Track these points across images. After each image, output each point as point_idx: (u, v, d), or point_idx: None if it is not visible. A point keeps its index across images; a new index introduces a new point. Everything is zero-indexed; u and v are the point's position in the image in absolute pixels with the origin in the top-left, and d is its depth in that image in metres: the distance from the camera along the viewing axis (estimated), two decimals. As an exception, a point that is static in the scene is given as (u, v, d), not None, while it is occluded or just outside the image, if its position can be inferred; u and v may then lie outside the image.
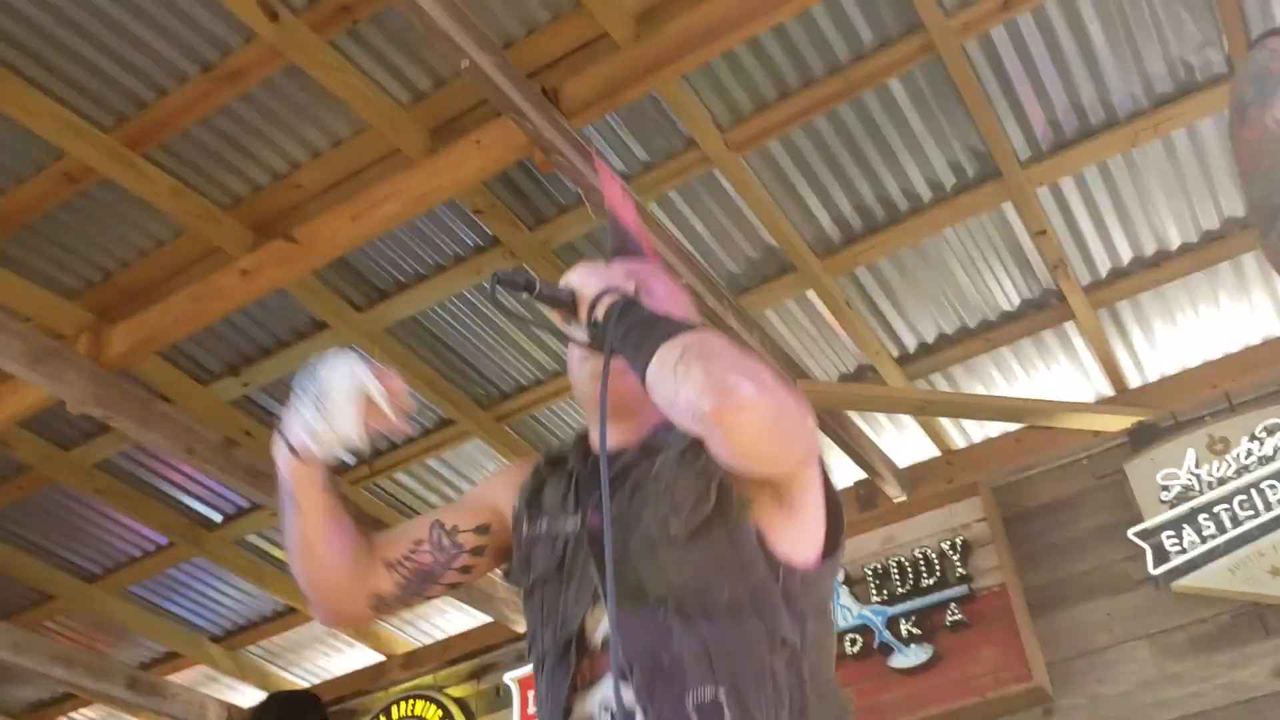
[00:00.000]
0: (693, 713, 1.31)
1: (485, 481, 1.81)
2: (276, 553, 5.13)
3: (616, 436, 1.52)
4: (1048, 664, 3.99)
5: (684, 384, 1.28)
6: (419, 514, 4.89)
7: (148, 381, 4.16)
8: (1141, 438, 4.12)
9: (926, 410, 4.26)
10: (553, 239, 3.80)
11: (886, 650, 4.21)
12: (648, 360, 1.34)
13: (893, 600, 4.28)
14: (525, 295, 1.48)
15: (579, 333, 1.51)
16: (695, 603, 1.37)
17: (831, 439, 4.31)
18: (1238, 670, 3.71)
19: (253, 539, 5.06)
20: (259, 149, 3.54)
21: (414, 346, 4.19)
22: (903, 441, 4.67)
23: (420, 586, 1.63)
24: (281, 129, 3.49)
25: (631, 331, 1.39)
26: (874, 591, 4.33)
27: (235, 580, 5.24)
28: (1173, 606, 3.88)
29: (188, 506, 4.86)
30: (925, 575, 4.25)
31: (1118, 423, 4.20)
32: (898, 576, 4.31)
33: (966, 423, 4.59)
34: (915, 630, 4.18)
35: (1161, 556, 3.89)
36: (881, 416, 4.55)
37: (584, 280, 1.50)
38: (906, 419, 4.54)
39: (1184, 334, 4.23)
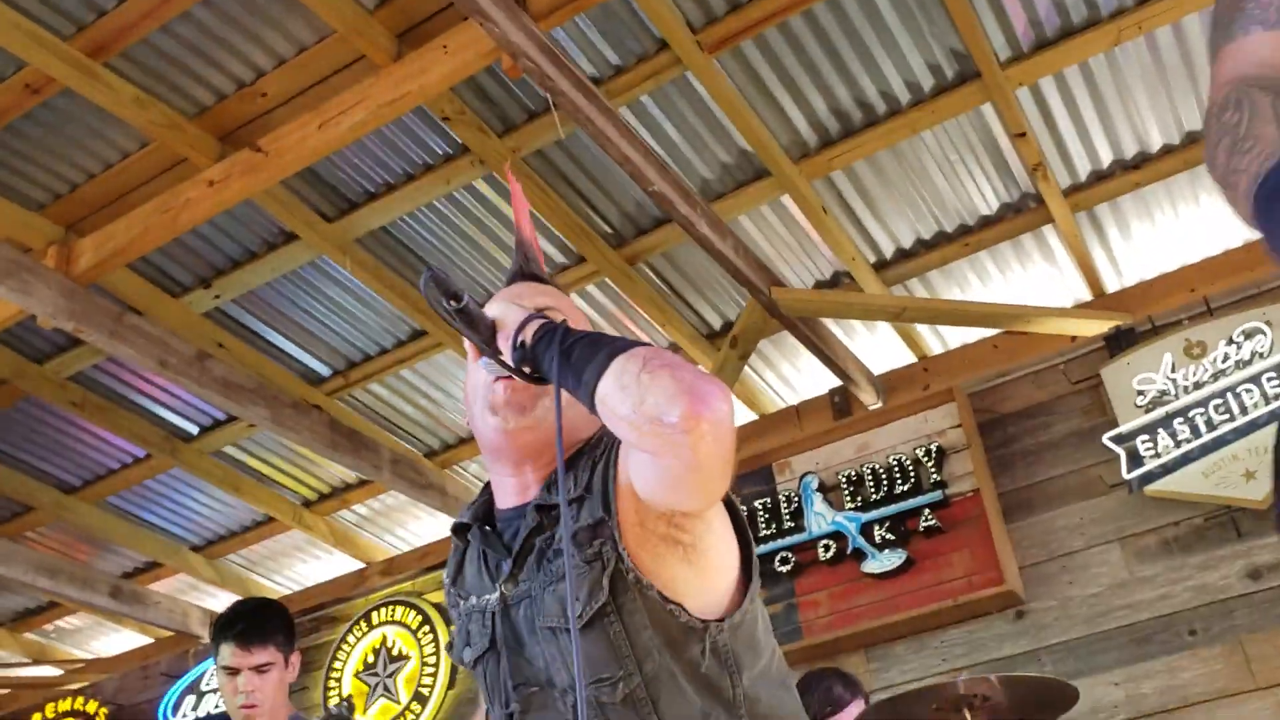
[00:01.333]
0: None
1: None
2: (253, 463, 5.14)
3: (514, 489, 1.50)
4: (1020, 568, 4.04)
5: (650, 392, 1.21)
6: (393, 424, 4.89)
7: (118, 294, 4.12)
8: (1118, 343, 4.11)
9: (903, 316, 4.24)
10: (522, 146, 3.73)
11: (860, 555, 4.26)
12: (599, 374, 1.27)
13: (867, 506, 4.31)
14: (450, 304, 1.35)
15: (489, 365, 1.43)
16: (592, 693, 1.36)
17: (807, 346, 4.30)
18: (1208, 572, 3.76)
19: (229, 450, 5.06)
20: (223, 57, 3.45)
21: (384, 257, 4.14)
22: (878, 348, 4.66)
23: None
24: (245, 36, 3.39)
25: (574, 348, 1.31)
26: (848, 498, 4.36)
27: (213, 491, 5.25)
28: (1145, 510, 3.91)
29: (163, 419, 4.85)
30: (900, 481, 4.28)
31: (1094, 327, 4.19)
32: (872, 483, 4.33)
33: (943, 328, 4.58)
34: (889, 536, 4.22)
35: (1135, 461, 3.91)
36: (857, 323, 4.54)
37: (506, 310, 1.41)
38: (882, 325, 4.52)
39: (1163, 237, 4.20)
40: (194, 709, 5.52)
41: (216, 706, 5.44)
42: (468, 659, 1.54)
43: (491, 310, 1.42)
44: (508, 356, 1.37)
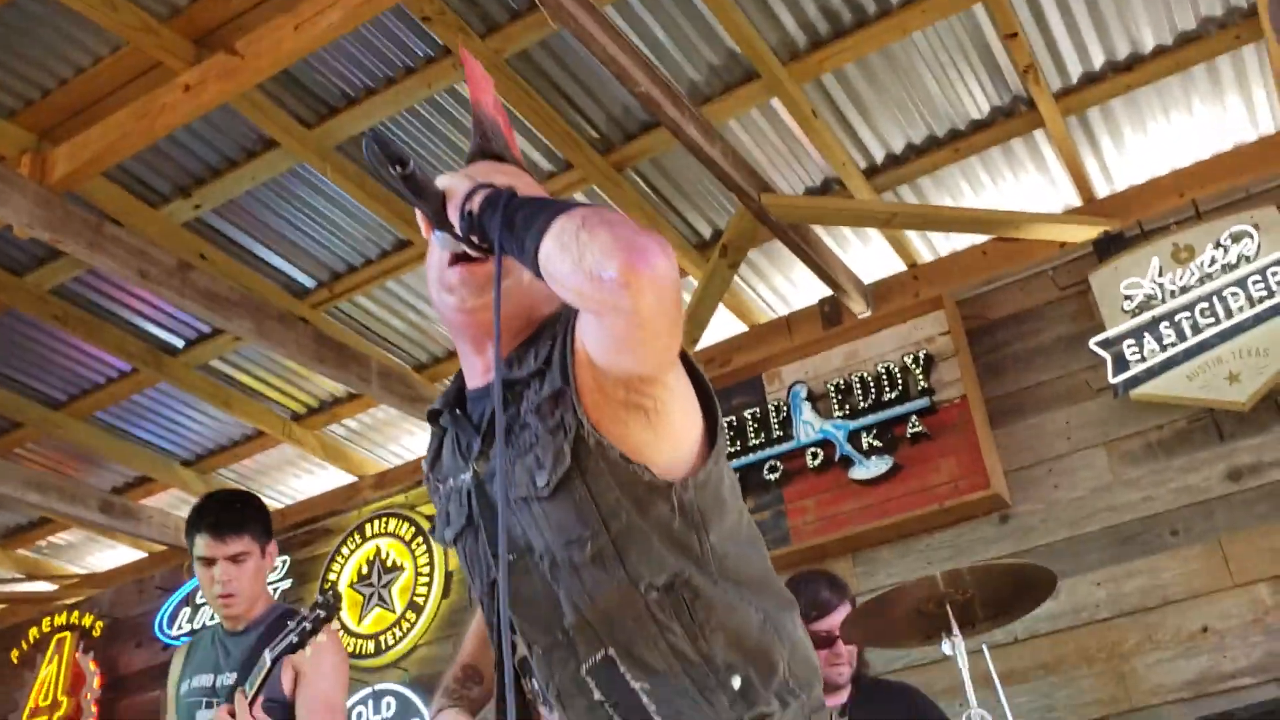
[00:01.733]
0: (588, 677, 1.39)
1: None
2: (241, 377, 5.13)
3: (479, 369, 1.52)
4: (1006, 472, 4.07)
5: (589, 249, 1.21)
6: (381, 337, 4.88)
7: (96, 204, 4.06)
8: (1107, 248, 4.09)
9: (893, 223, 4.21)
10: (505, 48, 3.65)
11: (847, 463, 4.28)
12: (541, 235, 1.26)
13: (855, 414, 4.33)
14: (396, 169, 1.34)
15: (442, 238, 1.43)
16: (565, 555, 1.39)
17: (797, 254, 4.27)
18: (1190, 474, 3.80)
19: (216, 364, 5.04)
20: (193, -46, 3.36)
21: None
22: (868, 256, 4.64)
23: None
24: (216, -68, 3.30)
25: (517, 214, 1.30)
26: (836, 406, 4.37)
27: (201, 405, 5.24)
28: (1130, 414, 3.93)
29: (147, 332, 4.82)
30: (888, 389, 4.28)
31: (1084, 233, 4.17)
32: (860, 391, 4.34)
33: (933, 235, 4.56)
34: (876, 443, 4.24)
35: (1121, 365, 3.92)
36: (847, 231, 4.51)
37: (454, 181, 1.39)
38: (873, 233, 4.50)
39: (1154, 141, 4.16)
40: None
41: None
42: (448, 538, 1.56)
43: (441, 182, 1.40)
44: (457, 227, 1.36)
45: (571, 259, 1.22)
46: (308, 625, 2.47)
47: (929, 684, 3.63)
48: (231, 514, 2.83)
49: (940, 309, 4.33)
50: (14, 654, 6.08)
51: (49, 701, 5.77)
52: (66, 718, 5.69)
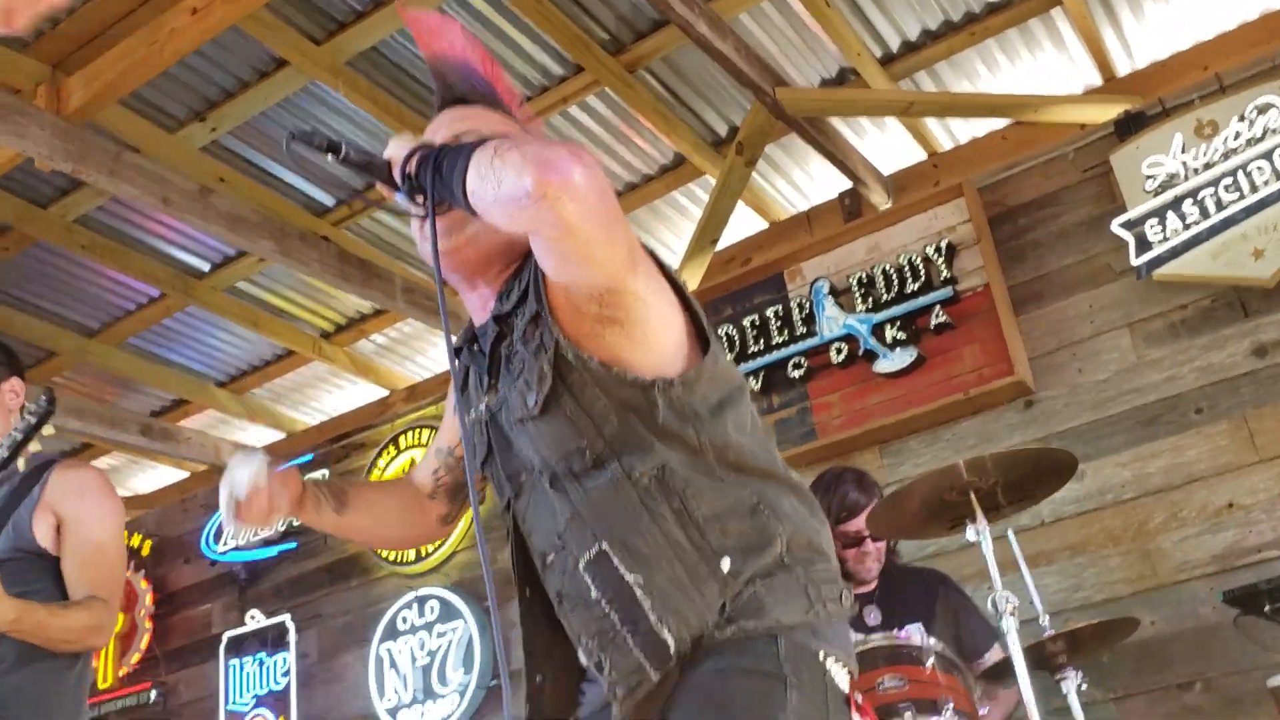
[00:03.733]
0: (585, 574, 1.44)
1: (450, 394, 1.85)
2: (268, 298, 5.18)
3: (479, 306, 1.60)
4: (1030, 358, 4.08)
5: (503, 173, 1.28)
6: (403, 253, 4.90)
7: (114, 132, 4.08)
8: (1128, 127, 4.03)
9: (911, 111, 4.16)
10: (511, -48, 3.60)
11: (872, 356, 4.30)
12: (465, 176, 1.33)
13: (878, 307, 4.33)
14: (330, 158, 1.42)
15: (403, 200, 1.49)
16: (564, 467, 1.46)
17: (815, 148, 4.24)
18: (1214, 352, 3.80)
19: (243, 286, 5.09)
20: (190, -128, 3.31)
21: (377, 79, 4.06)
22: (887, 146, 4.59)
23: (463, 492, 1.83)
24: None
25: (444, 163, 1.37)
26: (859, 300, 4.37)
27: (231, 326, 5.31)
28: (1153, 295, 3.92)
29: (173, 257, 4.87)
30: (910, 280, 4.28)
31: (1104, 113, 4.11)
32: (883, 284, 4.34)
33: (952, 123, 4.50)
34: (900, 335, 4.25)
35: (1144, 246, 3.90)
36: (865, 121, 4.46)
37: (395, 148, 1.46)
38: (891, 122, 4.45)
39: (1176, 13, 4.07)
40: (233, 537, 5.72)
41: (255, 533, 5.65)
42: (478, 465, 1.65)
43: (387, 152, 1.47)
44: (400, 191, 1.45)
45: (491, 188, 1.30)
46: (18, 435, 2.29)
47: (957, 570, 3.72)
48: None
49: (961, 197, 4.29)
50: (69, 575, 6.27)
51: (106, 619, 5.97)
52: (122, 634, 5.91)
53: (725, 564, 1.40)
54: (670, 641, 1.38)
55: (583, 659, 1.49)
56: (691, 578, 1.40)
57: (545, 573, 1.50)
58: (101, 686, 5.85)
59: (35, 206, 4.47)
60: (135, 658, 5.83)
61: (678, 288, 1.51)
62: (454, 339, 1.65)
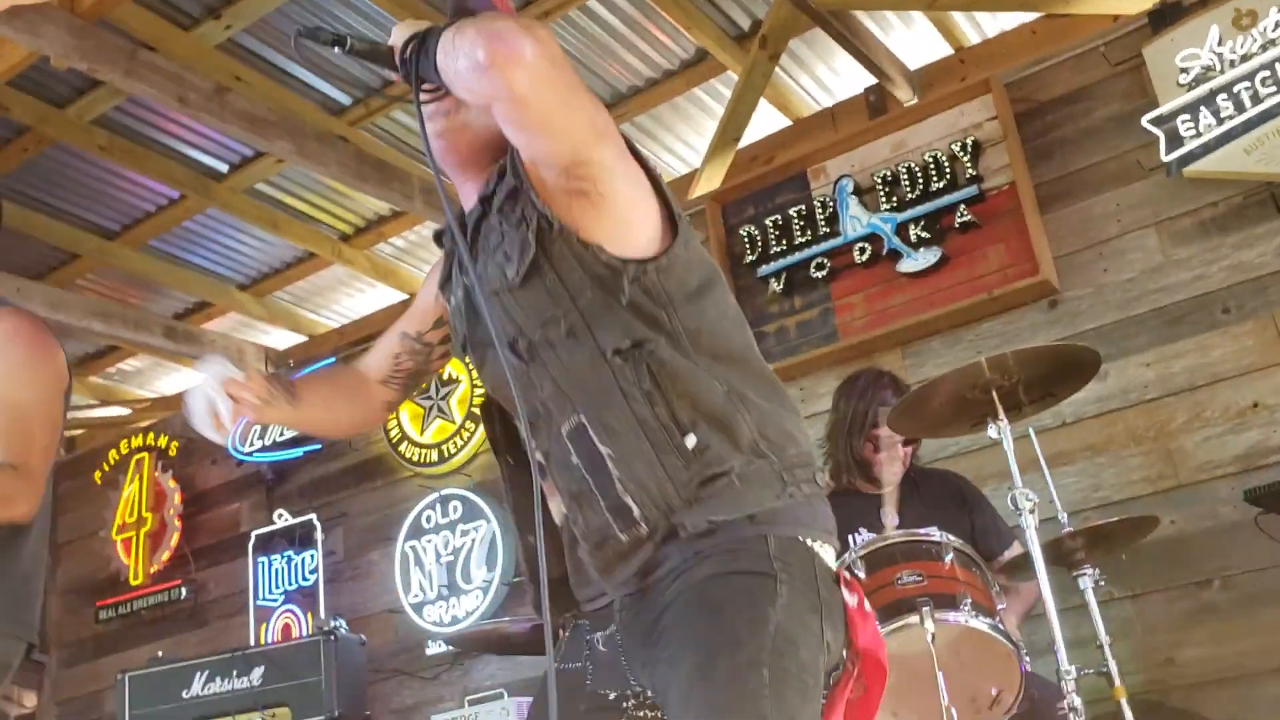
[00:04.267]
0: (567, 440, 1.53)
1: (424, 281, 1.91)
2: (288, 200, 5.16)
3: (470, 193, 1.64)
4: (1055, 257, 4.03)
5: (461, 49, 1.37)
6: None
7: (129, 30, 4.02)
8: (1163, 18, 3.92)
9: (937, 4, 4.06)
10: None
11: (895, 256, 4.26)
12: (434, 55, 1.42)
13: (902, 206, 4.28)
14: (336, 50, 1.50)
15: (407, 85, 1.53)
16: (541, 335, 1.52)
17: (839, 42, 4.15)
18: (1244, 250, 3.74)
19: (262, 187, 5.06)
20: None
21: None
22: (913, 41, 4.49)
23: (416, 381, 1.92)
24: None
25: (429, 43, 1.45)
26: (883, 199, 4.32)
27: (251, 229, 5.30)
28: (1183, 192, 3.85)
29: (191, 158, 4.84)
30: (935, 179, 4.22)
31: (1138, 4, 3.99)
32: (907, 182, 4.28)
33: (980, 16, 4.39)
34: (924, 234, 4.20)
35: (1175, 142, 3.81)
36: (891, 15, 4.35)
37: (395, 36, 1.52)
38: (917, 16, 4.34)
39: (1217, -99, 3.93)
40: (260, 438, 5.79)
41: (282, 435, 5.71)
42: (457, 346, 1.72)
43: (390, 40, 1.53)
44: (399, 75, 1.52)
45: (453, 64, 1.39)
46: None
47: (978, 469, 3.74)
48: None
49: (988, 93, 4.21)
50: (96, 475, 6.38)
51: (135, 518, 6.09)
52: (152, 533, 6.02)
53: (690, 440, 1.48)
54: (633, 507, 1.49)
55: (562, 510, 1.59)
56: (657, 452, 1.48)
57: (531, 434, 1.56)
58: (133, 583, 5.98)
59: (53, 107, 4.44)
60: (165, 555, 5.95)
61: (652, 176, 1.54)
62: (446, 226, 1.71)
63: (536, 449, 1.57)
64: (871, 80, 4.48)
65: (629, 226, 1.50)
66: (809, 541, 1.51)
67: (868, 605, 1.60)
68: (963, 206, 4.14)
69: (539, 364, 1.53)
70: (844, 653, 1.54)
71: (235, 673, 4.54)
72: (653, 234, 1.52)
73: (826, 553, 1.54)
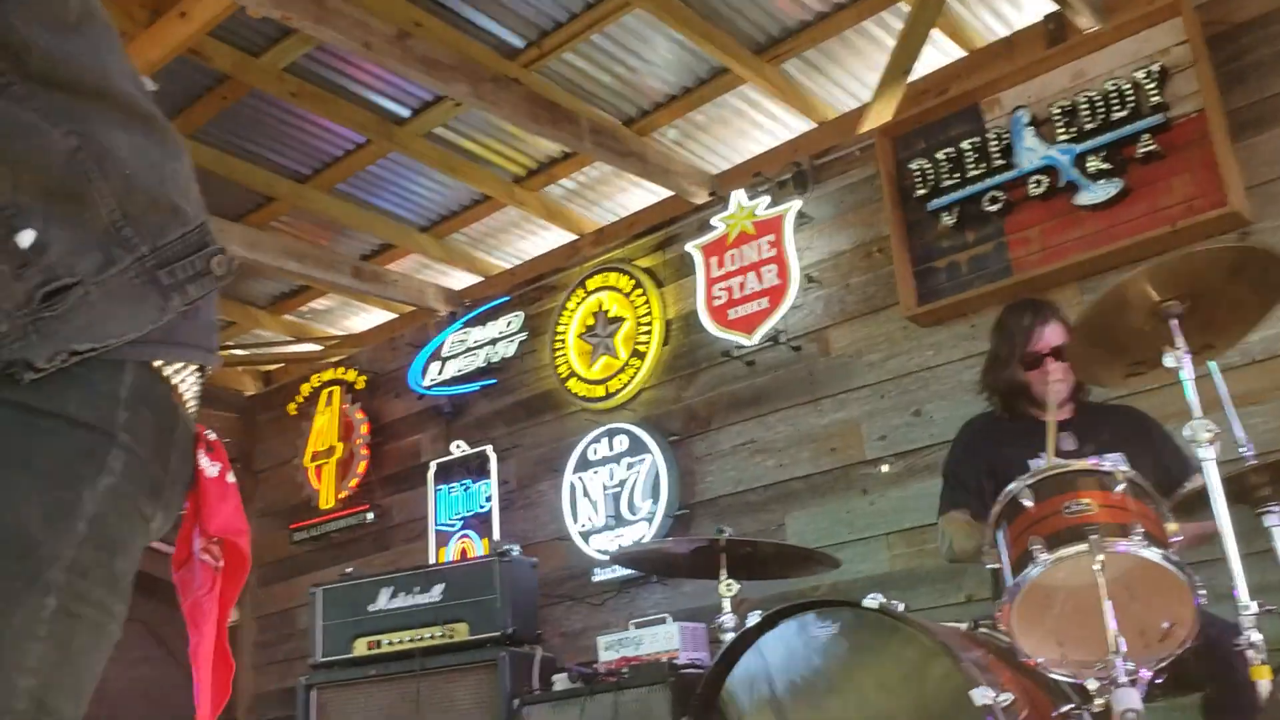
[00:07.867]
0: None
1: None
2: (464, 143, 5.34)
3: None
4: (1246, 188, 3.83)
5: None
6: (591, 94, 4.93)
7: (316, -22, 4.21)
8: (1375, -71, 3.66)
9: (1123, -75, 3.88)
10: None
11: (1073, 189, 4.13)
12: None
13: (1081, 137, 4.13)
14: None
15: None
16: None
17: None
18: None
19: (440, 131, 5.25)
20: None
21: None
22: (1097, -35, 4.31)
23: None
24: None
25: None
26: (1061, 130, 4.18)
27: (430, 172, 5.51)
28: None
29: (375, 103, 5.05)
30: (1116, 108, 4.05)
31: (1348, -85, 3.73)
32: (1087, 112, 4.12)
33: (1170, -64, 4.17)
34: (1104, 165, 4.05)
35: (1385, 62, 3.57)
36: (1073, -62, 4.19)
37: None
38: (1101, -62, 4.16)
39: None
40: (439, 374, 6.05)
41: (459, 371, 5.96)
42: None
43: None
44: None
45: None
46: None
47: (1158, 408, 3.60)
48: None
49: (1178, 15, 4.00)
50: (290, 407, 6.80)
51: (325, 447, 6.48)
52: (341, 460, 6.39)
53: (25, 238, 0.94)
54: None
55: None
56: None
57: None
58: (323, 508, 6.37)
59: (249, 55, 4.70)
60: (353, 482, 6.31)
61: None
62: None
63: None
64: (1051, 6, 4.33)
65: None
66: (171, 371, 1.03)
67: (231, 475, 1.14)
68: (1146, 136, 3.97)
69: None
70: (195, 540, 1.13)
71: (417, 589, 4.81)
72: None
73: (190, 385, 1.06)
